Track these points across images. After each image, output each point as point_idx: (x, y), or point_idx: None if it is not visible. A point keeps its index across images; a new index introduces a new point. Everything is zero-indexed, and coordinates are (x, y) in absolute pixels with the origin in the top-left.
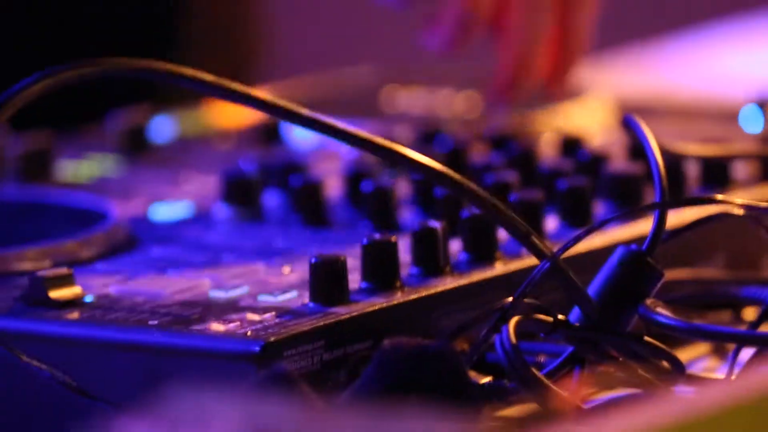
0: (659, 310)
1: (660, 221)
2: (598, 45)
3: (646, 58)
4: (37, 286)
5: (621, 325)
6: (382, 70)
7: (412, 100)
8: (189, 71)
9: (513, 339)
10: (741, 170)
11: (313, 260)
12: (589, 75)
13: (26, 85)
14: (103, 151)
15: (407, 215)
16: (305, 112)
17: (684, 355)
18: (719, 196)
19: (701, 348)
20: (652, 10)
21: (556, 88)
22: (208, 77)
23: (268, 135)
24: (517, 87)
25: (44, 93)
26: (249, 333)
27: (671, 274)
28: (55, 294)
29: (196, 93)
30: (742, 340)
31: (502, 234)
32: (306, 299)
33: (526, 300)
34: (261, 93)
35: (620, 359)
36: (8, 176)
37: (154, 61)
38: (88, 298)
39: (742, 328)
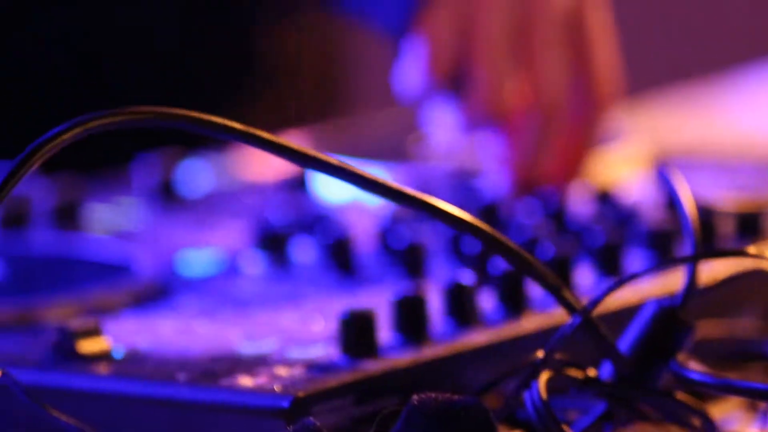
0: (691, 365)
1: (692, 275)
2: (637, 87)
3: (687, 102)
4: (65, 339)
5: (652, 380)
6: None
7: (446, 142)
8: (218, 120)
9: (543, 395)
10: None
11: (343, 315)
12: (626, 118)
13: (57, 133)
14: (132, 196)
15: (439, 264)
16: (334, 161)
17: (716, 410)
18: (752, 249)
19: (733, 403)
20: (694, 53)
21: (567, 182)
22: (238, 126)
23: (299, 182)
24: (527, 185)
25: (75, 141)
26: (278, 388)
27: (703, 329)
28: (84, 348)
29: (227, 141)
30: None
31: (534, 287)
32: (335, 352)
33: (556, 355)
34: (290, 141)
35: (651, 415)
36: (38, 222)
37: (183, 110)
38: (117, 352)
39: None
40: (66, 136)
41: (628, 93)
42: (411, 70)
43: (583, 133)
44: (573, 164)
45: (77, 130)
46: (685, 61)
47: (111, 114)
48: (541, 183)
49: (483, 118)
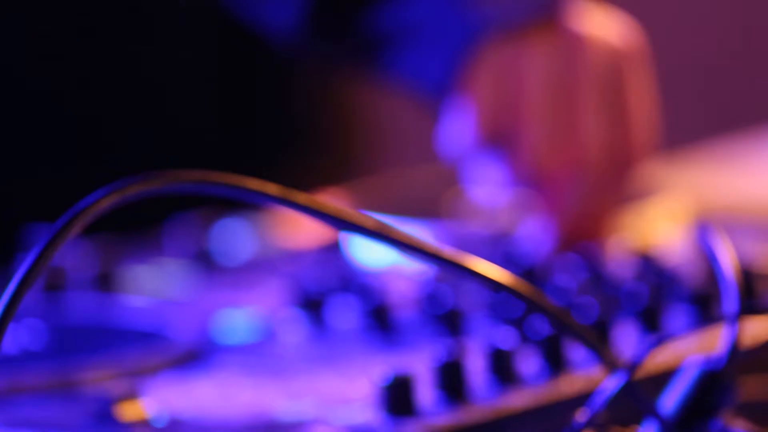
0: (733, 425)
1: (735, 333)
2: (678, 142)
3: (728, 158)
4: (103, 404)
5: None
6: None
7: (486, 200)
8: (255, 183)
9: None
10: None
11: (383, 378)
12: (666, 173)
13: (95, 200)
14: (168, 257)
15: (479, 323)
16: (371, 222)
17: None
18: None
19: None
20: (736, 108)
21: (604, 238)
22: (274, 189)
23: (337, 244)
24: (568, 242)
25: (113, 207)
26: None
27: (747, 388)
28: (123, 413)
29: (264, 205)
30: None
31: (574, 348)
32: (376, 415)
33: (599, 416)
34: (326, 203)
35: None
36: (75, 286)
37: (219, 174)
38: (155, 418)
39: None
40: (104, 203)
41: (668, 147)
42: (456, 130)
43: (618, 190)
44: (610, 221)
45: (115, 197)
46: (726, 117)
47: (148, 180)
48: (581, 240)
49: (527, 176)
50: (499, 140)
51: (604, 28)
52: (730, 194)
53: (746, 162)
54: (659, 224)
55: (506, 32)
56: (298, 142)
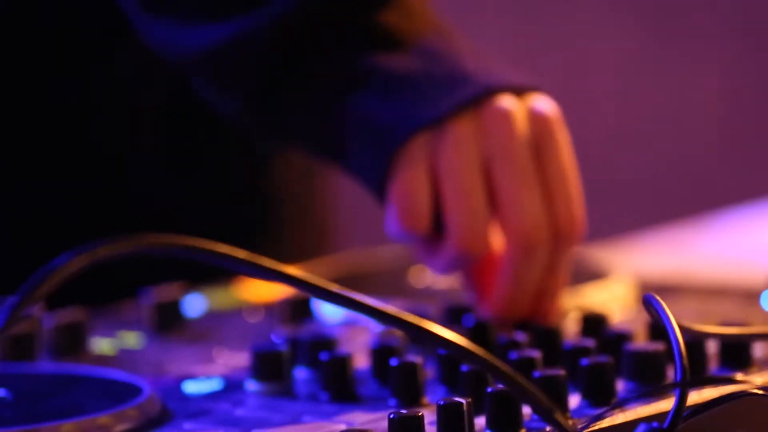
0: None
1: (681, 400)
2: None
3: (669, 240)
4: None
5: None
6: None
7: (439, 277)
8: (224, 248)
9: None
10: (760, 350)
11: None
12: (607, 257)
13: (62, 263)
14: (136, 327)
15: (433, 390)
16: (335, 288)
17: None
18: (739, 376)
19: None
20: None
21: (547, 317)
22: (242, 254)
23: (298, 309)
24: (509, 320)
25: (80, 271)
26: None
27: None
28: None
29: (231, 270)
30: None
31: (527, 411)
32: None
33: None
34: (293, 270)
35: None
36: (42, 351)
37: (189, 239)
38: None
39: None
40: (72, 266)
41: (607, 235)
42: (393, 224)
43: (556, 267)
44: (551, 299)
45: (83, 259)
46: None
47: (118, 243)
48: (522, 318)
49: (460, 260)
50: (437, 225)
51: (524, 101)
52: (669, 274)
53: (688, 246)
54: (605, 304)
55: (430, 126)
56: (267, 216)
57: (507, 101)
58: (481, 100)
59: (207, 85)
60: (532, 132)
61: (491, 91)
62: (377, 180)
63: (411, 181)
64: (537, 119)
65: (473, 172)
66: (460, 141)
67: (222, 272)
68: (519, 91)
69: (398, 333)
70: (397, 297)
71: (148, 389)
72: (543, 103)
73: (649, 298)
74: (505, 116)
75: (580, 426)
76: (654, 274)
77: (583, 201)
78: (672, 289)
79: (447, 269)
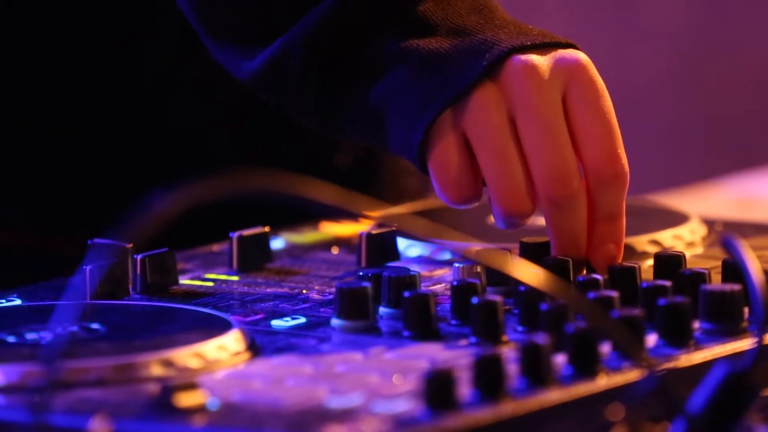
0: (758, 428)
1: (760, 340)
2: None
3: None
4: (163, 394)
5: None
6: None
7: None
8: (318, 189)
9: None
10: None
11: (425, 373)
12: (683, 202)
13: (156, 205)
14: (224, 267)
15: (515, 323)
16: (419, 227)
17: None
18: None
19: None
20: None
21: (611, 260)
22: (336, 197)
23: (383, 247)
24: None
25: (174, 214)
26: None
27: None
28: (181, 402)
29: (316, 213)
30: None
31: (606, 347)
32: (417, 409)
33: (630, 412)
34: (377, 212)
35: None
36: (133, 291)
37: (279, 181)
38: (212, 406)
39: None
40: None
41: (676, 184)
42: (440, 196)
43: (611, 211)
44: (613, 244)
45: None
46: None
47: (206, 185)
48: (594, 262)
49: (510, 220)
50: (474, 197)
51: (551, 56)
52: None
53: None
54: (677, 246)
55: (456, 99)
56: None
57: (529, 58)
58: (503, 62)
59: (267, 96)
60: (558, 82)
61: (512, 51)
62: (417, 160)
63: (444, 153)
64: (563, 68)
65: (502, 135)
66: (484, 106)
67: (310, 213)
68: (544, 48)
69: (479, 270)
70: (478, 238)
71: (236, 324)
72: (570, 53)
73: (727, 239)
74: (525, 71)
75: (661, 364)
76: (725, 218)
77: (620, 140)
78: (745, 227)
79: (506, 227)
